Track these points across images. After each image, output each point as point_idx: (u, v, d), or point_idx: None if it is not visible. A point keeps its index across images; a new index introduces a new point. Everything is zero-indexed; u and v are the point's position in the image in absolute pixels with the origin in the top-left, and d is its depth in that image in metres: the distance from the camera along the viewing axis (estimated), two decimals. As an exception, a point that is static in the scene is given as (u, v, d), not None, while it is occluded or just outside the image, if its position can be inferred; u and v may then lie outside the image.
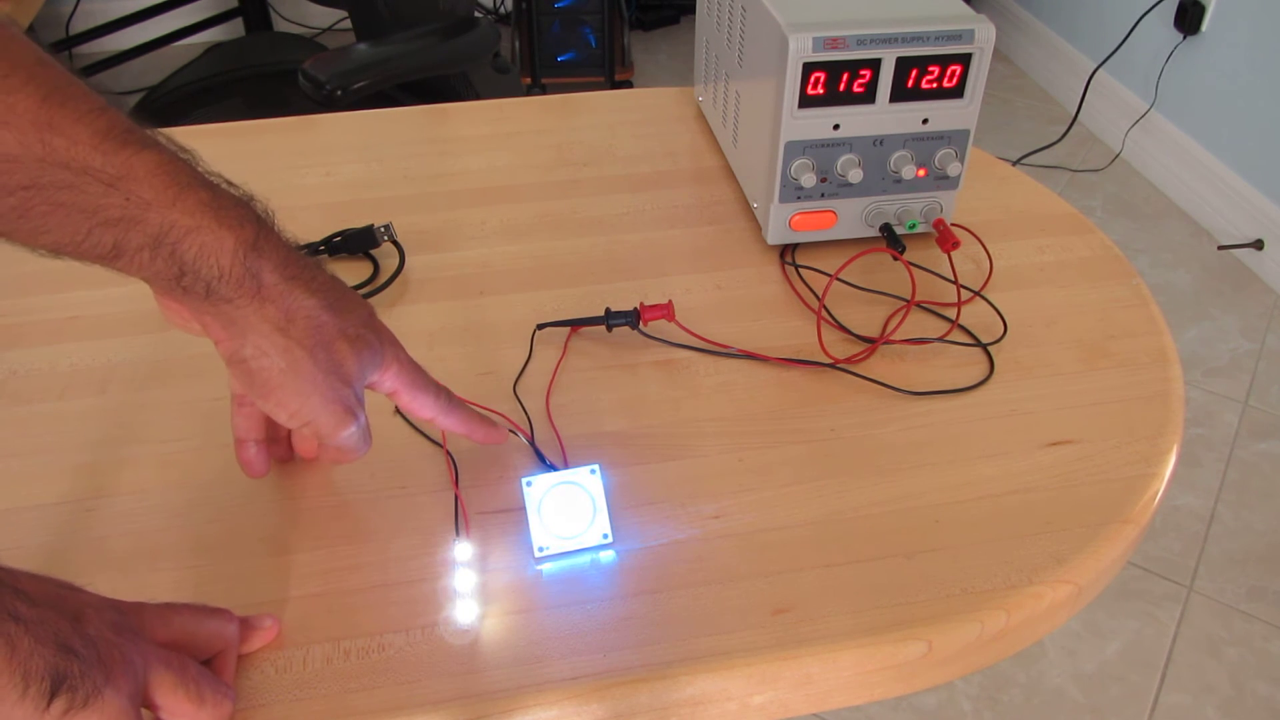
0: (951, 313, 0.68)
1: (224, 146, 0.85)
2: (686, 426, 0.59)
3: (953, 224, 0.71)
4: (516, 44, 2.57)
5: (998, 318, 0.68)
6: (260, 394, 0.47)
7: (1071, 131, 2.44)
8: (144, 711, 0.39)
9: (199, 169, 0.44)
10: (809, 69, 0.63)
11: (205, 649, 0.44)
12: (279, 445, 0.55)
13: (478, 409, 0.57)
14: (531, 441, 0.58)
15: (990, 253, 0.73)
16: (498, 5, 3.02)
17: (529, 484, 0.52)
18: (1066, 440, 0.59)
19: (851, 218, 0.71)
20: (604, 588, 0.50)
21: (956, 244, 0.69)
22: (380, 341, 0.50)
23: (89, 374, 0.63)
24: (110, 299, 0.68)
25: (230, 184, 0.46)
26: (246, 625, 0.47)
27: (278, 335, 0.45)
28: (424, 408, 0.52)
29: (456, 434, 0.55)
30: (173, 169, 0.43)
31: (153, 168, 0.42)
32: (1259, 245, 1.99)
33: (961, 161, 0.69)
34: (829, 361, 0.64)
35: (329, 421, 0.47)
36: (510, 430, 0.58)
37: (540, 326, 0.66)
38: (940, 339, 0.66)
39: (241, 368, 0.46)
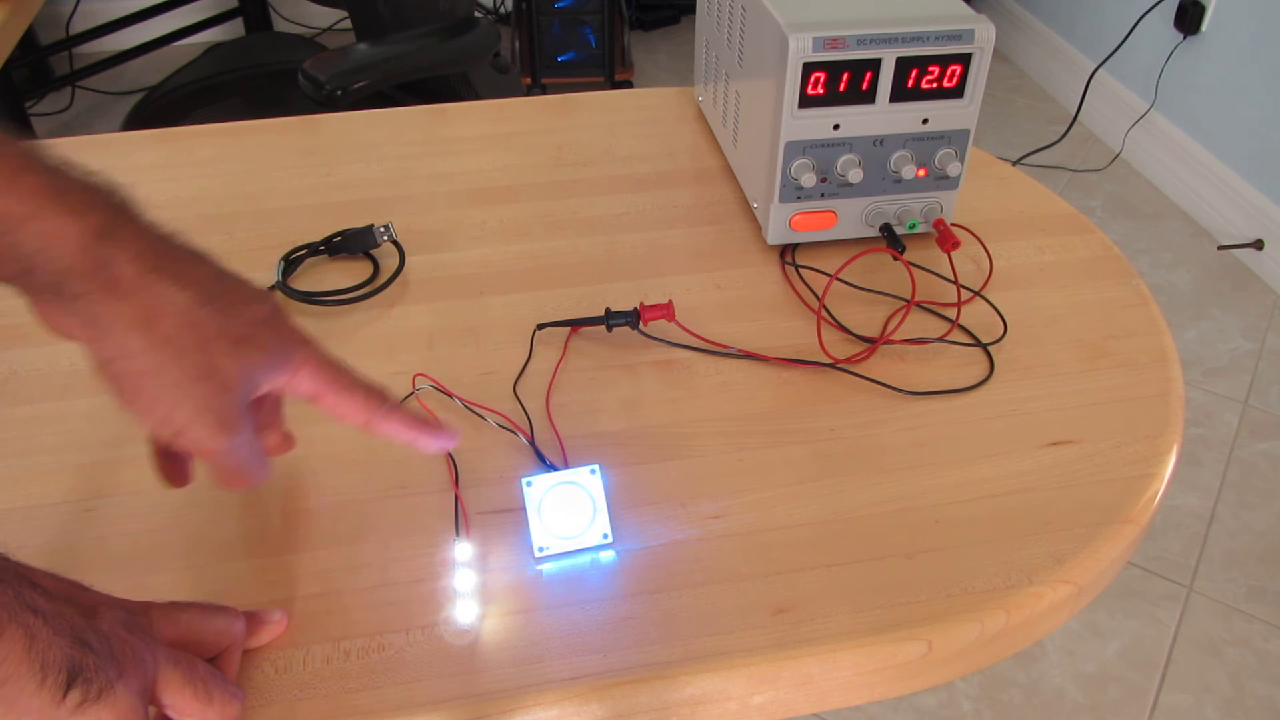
0: (951, 313, 0.68)
1: (224, 146, 0.85)
2: (686, 426, 0.59)
3: (953, 224, 0.71)
4: (516, 44, 2.57)
5: (998, 318, 0.68)
6: (127, 399, 0.42)
7: (1071, 131, 2.44)
8: (151, 709, 0.39)
9: (36, 152, 0.40)
10: (809, 69, 0.63)
11: (211, 646, 0.44)
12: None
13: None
14: (531, 441, 0.58)
15: (990, 253, 0.73)
16: (498, 5, 3.02)
17: (529, 484, 0.52)
18: (1066, 440, 0.59)
19: (851, 218, 0.71)
20: (604, 588, 0.50)
21: (956, 244, 0.69)
22: (280, 341, 0.45)
23: (89, 374, 0.62)
24: (110, 299, 0.68)
25: (86, 171, 0.42)
26: (255, 619, 0.47)
27: (138, 334, 0.41)
28: (353, 412, 0.47)
29: (398, 441, 0.49)
30: (2, 155, 0.39)
31: None
32: (1259, 245, 1.99)
33: (961, 161, 0.69)
34: (829, 361, 0.64)
35: (201, 432, 0.43)
36: (509, 430, 0.58)
37: (540, 326, 0.66)
38: (940, 339, 0.66)
39: (106, 371, 0.42)
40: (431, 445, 0.50)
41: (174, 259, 0.42)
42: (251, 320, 0.44)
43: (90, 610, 0.38)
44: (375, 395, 0.48)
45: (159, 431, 0.43)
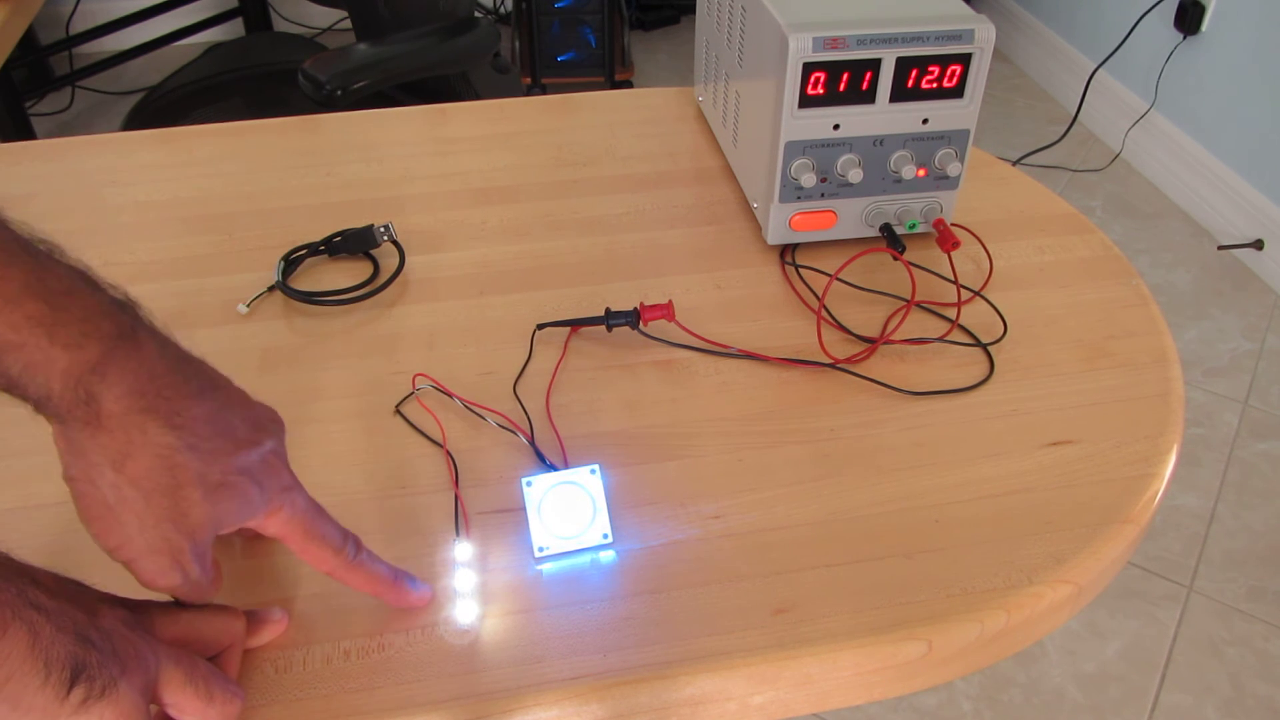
0: (951, 313, 0.68)
1: (224, 146, 0.85)
2: (686, 426, 0.59)
3: (953, 224, 0.71)
4: (516, 44, 2.57)
5: (998, 318, 0.68)
6: (82, 519, 0.42)
7: (1071, 131, 2.44)
8: (152, 708, 0.39)
9: (47, 274, 0.39)
10: (809, 69, 0.63)
11: (212, 646, 0.44)
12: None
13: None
14: (531, 441, 0.58)
15: (990, 253, 0.73)
16: (498, 5, 3.02)
17: (529, 484, 0.52)
18: (1066, 440, 0.59)
19: (851, 218, 0.71)
20: (604, 588, 0.50)
21: (956, 244, 0.69)
22: (260, 489, 0.44)
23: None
24: (110, 299, 0.68)
25: (96, 287, 0.41)
26: (256, 619, 0.47)
27: (109, 469, 0.40)
28: (319, 561, 0.47)
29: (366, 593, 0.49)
30: (8, 274, 0.38)
31: None
32: (1259, 245, 1.99)
33: (961, 161, 0.69)
34: (829, 361, 0.64)
35: (148, 569, 0.42)
36: (509, 430, 0.58)
37: (540, 326, 0.66)
38: (940, 339, 0.66)
39: (69, 485, 0.42)
40: (399, 604, 0.49)
41: (172, 396, 0.41)
42: (235, 468, 0.42)
43: (92, 608, 0.38)
44: (349, 549, 0.47)
45: (110, 555, 0.42)
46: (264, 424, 0.45)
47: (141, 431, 0.40)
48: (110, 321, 0.40)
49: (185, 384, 0.42)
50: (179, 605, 0.44)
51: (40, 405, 0.39)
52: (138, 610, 0.41)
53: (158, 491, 0.41)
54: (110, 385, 0.39)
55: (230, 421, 0.43)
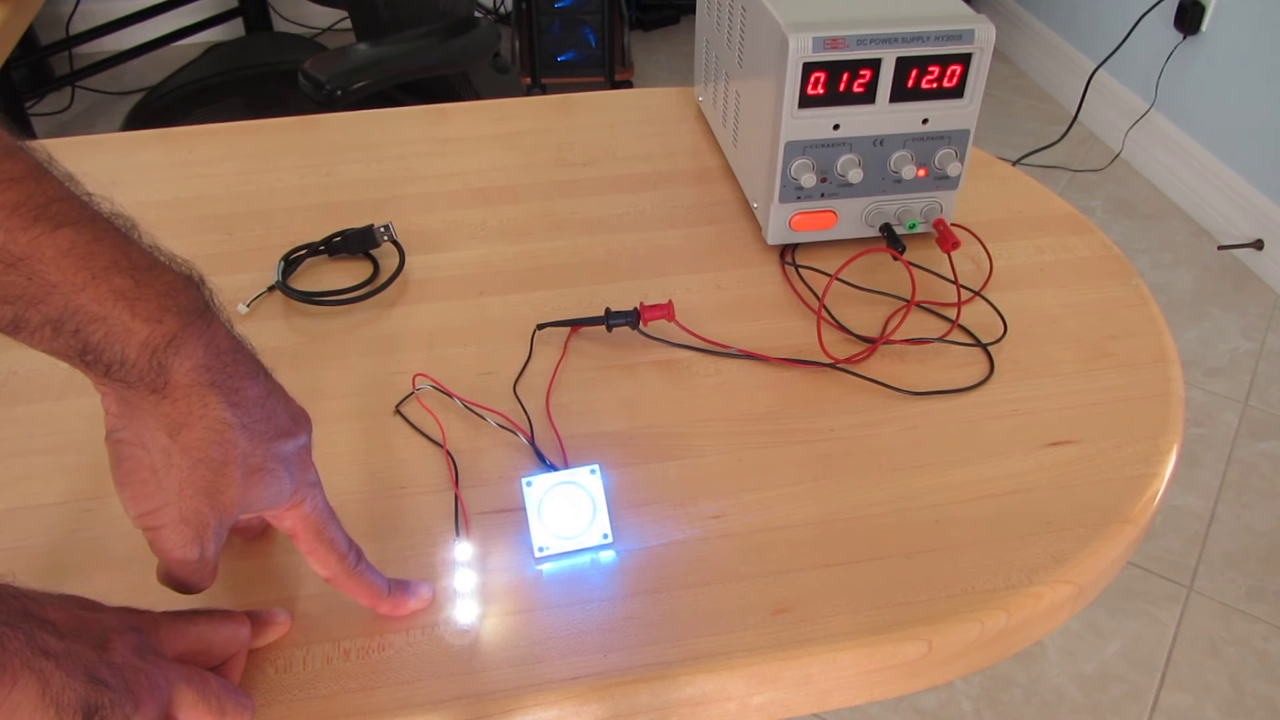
0: (951, 313, 0.68)
1: (224, 146, 0.85)
2: (686, 426, 0.59)
3: (953, 224, 0.71)
4: (516, 44, 2.57)
5: (998, 318, 0.68)
6: (119, 481, 0.42)
7: (1071, 131, 2.44)
8: None
9: (131, 248, 0.40)
10: (809, 69, 0.63)
11: (220, 655, 0.44)
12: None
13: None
14: (531, 441, 0.58)
15: (990, 253, 0.73)
16: (498, 5, 3.02)
17: (529, 484, 0.52)
18: (1066, 440, 0.59)
19: (851, 218, 0.71)
20: (604, 588, 0.50)
21: (956, 244, 0.69)
22: (290, 480, 0.45)
23: (89, 374, 0.63)
24: (110, 299, 0.68)
25: (173, 262, 0.42)
26: (260, 621, 0.47)
27: (163, 435, 0.41)
28: (324, 563, 0.47)
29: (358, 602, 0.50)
30: (88, 252, 0.38)
31: (65, 250, 0.38)
32: (1259, 245, 1.99)
33: (961, 161, 0.69)
34: (829, 361, 0.64)
35: (172, 539, 0.42)
36: (509, 430, 0.58)
37: (540, 326, 0.66)
38: (940, 339, 0.66)
39: (115, 446, 0.42)
40: (393, 614, 0.49)
41: (232, 374, 0.42)
42: (274, 454, 0.44)
43: (102, 641, 0.38)
44: (350, 558, 0.48)
45: (135, 521, 0.43)
46: (299, 418, 0.46)
47: (203, 404, 0.41)
48: (187, 297, 0.41)
49: (243, 364, 0.43)
50: (186, 616, 0.44)
51: (111, 371, 0.40)
52: (146, 630, 0.41)
53: (204, 463, 0.42)
54: (183, 358, 0.41)
55: (276, 408, 0.45)
